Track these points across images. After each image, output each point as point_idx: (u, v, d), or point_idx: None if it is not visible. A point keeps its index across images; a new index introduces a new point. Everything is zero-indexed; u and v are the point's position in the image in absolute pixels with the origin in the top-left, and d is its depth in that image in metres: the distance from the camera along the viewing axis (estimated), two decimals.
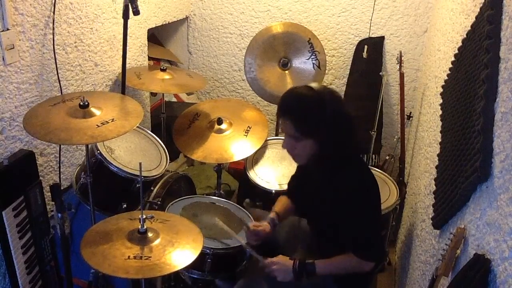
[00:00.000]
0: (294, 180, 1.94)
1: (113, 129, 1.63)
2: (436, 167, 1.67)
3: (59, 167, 2.11)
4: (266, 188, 2.28)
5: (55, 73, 2.00)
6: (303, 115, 1.52)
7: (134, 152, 2.08)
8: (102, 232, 1.53)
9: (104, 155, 1.89)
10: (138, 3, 2.00)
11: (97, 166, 1.90)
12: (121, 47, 2.20)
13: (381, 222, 1.78)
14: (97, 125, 1.63)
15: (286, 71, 2.86)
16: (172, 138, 2.36)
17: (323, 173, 1.67)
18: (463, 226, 1.19)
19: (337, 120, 1.51)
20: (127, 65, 2.31)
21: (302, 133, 1.54)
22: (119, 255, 1.41)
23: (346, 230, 1.60)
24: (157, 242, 1.49)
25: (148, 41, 2.88)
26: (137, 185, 1.92)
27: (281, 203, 1.91)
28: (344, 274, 1.64)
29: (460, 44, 1.67)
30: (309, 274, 1.61)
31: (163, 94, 2.81)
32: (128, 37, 2.17)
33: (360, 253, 1.58)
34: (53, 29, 1.94)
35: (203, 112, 2.50)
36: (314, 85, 1.54)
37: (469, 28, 1.59)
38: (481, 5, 1.47)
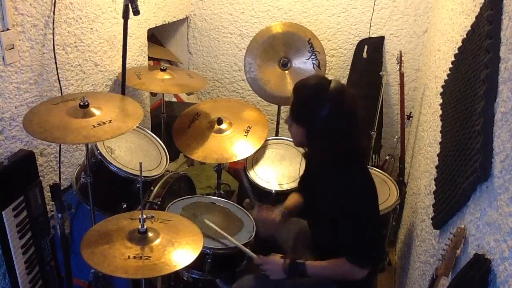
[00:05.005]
0: (302, 177, 1.96)
1: (109, 131, 1.62)
2: (436, 167, 1.67)
3: (59, 167, 2.11)
4: (266, 188, 2.28)
5: (55, 73, 2.00)
6: (301, 101, 1.56)
7: (134, 152, 2.08)
8: (102, 232, 1.53)
9: (104, 155, 1.89)
10: (138, 3, 2.00)
11: (97, 166, 1.90)
12: (121, 47, 2.20)
13: (378, 228, 1.75)
14: (93, 125, 1.63)
15: (286, 71, 2.86)
16: (172, 138, 2.36)
17: (322, 174, 1.67)
18: (463, 226, 1.19)
19: (329, 124, 1.50)
20: (127, 65, 2.31)
21: (294, 116, 1.59)
22: (119, 255, 1.41)
23: (341, 235, 1.58)
24: (157, 242, 1.49)
25: (148, 41, 2.88)
26: (137, 185, 1.92)
27: (292, 198, 1.94)
28: (336, 278, 1.62)
29: (460, 44, 1.67)
30: (300, 275, 1.61)
31: (163, 94, 2.81)
32: (128, 37, 2.17)
33: (353, 259, 1.55)
34: (53, 29, 1.94)
35: (203, 112, 2.49)
36: (333, 80, 1.55)
37: (469, 28, 1.59)
38: (481, 5, 1.47)
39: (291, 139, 2.49)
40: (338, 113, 1.51)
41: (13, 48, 1.73)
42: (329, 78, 1.57)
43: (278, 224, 1.83)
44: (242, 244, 1.80)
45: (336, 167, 1.58)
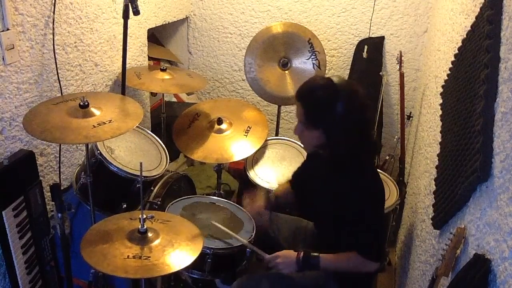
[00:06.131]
0: (299, 171, 1.97)
1: (109, 131, 1.62)
2: (436, 167, 1.67)
3: (59, 167, 2.11)
4: (266, 188, 2.28)
5: (55, 73, 2.00)
6: (314, 104, 1.55)
7: (134, 152, 2.08)
8: (102, 232, 1.53)
9: (104, 155, 1.89)
10: (138, 3, 2.00)
11: (97, 166, 1.90)
12: (121, 47, 2.20)
13: (384, 222, 1.80)
14: (93, 125, 1.63)
15: (286, 71, 2.86)
16: (172, 138, 2.36)
17: (329, 171, 1.67)
18: (463, 226, 1.19)
19: (348, 118, 1.51)
20: (127, 65, 2.31)
21: (309, 121, 1.57)
22: (118, 255, 1.41)
23: (350, 231, 1.60)
24: (157, 242, 1.49)
25: (148, 41, 2.88)
26: (137, 185, 1.92)
27: (282, 187, 2.00)
28: (348, 271, 1.63)
29: (460, 44, 1.67)
30: (313, 267, 1.62)
31: (163, 94, 2.81)
32: (128, 37, 2.17)
33: (365, 252, 1.58)
34: (53, 29, 1.94)
35: (203, 112, 2.50)
36: (335, 78, 1.55)
37: (469, 28, 1.59)
38: (481, 5, 1.47)
39: (292, 140, 2.53)
40: (355, 104, 1.52)
41: (13, 48, 1.73)
42: (322, 76, 1.59)
43: (267, 212, 1.92)
44: (243, 244, 1.80)
45: (345, 169, 1.59)
